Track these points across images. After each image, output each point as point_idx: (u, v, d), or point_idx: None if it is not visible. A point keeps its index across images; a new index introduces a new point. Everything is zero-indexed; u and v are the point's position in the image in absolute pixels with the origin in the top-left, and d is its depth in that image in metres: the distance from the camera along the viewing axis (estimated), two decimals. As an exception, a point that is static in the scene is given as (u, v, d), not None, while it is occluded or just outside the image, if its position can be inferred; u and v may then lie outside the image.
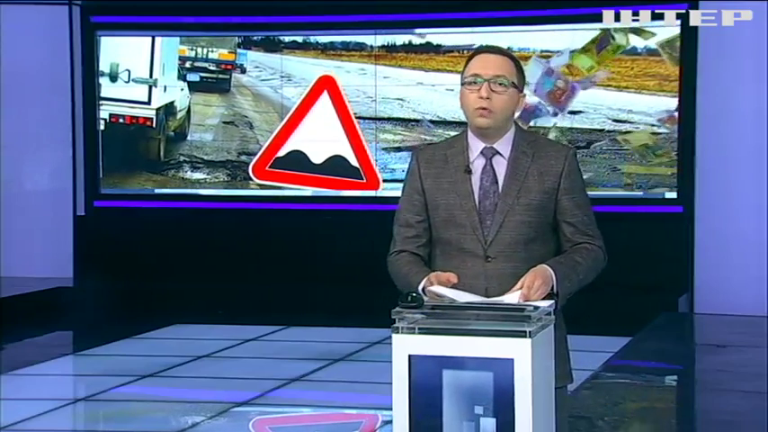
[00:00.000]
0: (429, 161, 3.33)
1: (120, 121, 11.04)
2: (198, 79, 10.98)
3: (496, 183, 3.26)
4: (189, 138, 11.00)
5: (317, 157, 10.64)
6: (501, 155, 3.28)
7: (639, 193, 9.90)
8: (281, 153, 10.76)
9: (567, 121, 10.04)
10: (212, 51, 10.98)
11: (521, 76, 3.30)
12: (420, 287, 3.14)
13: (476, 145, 3.30)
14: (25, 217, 10.94)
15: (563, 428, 3.24)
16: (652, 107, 9.87)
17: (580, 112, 10.03)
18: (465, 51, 10.21)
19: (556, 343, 3.06)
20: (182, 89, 11.01)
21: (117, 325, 9.49)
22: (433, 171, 3.31)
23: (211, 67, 10.99)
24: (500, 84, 3.23)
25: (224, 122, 10.95)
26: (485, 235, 3.23)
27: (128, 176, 11.06)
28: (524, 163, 3.27)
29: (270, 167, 10.78)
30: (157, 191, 11.00)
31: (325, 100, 10.66)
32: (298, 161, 10.71)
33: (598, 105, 10.02)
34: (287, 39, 10.75)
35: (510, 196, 3.24)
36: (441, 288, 3.09)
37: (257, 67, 10.86)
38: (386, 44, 10.53)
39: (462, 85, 3.28)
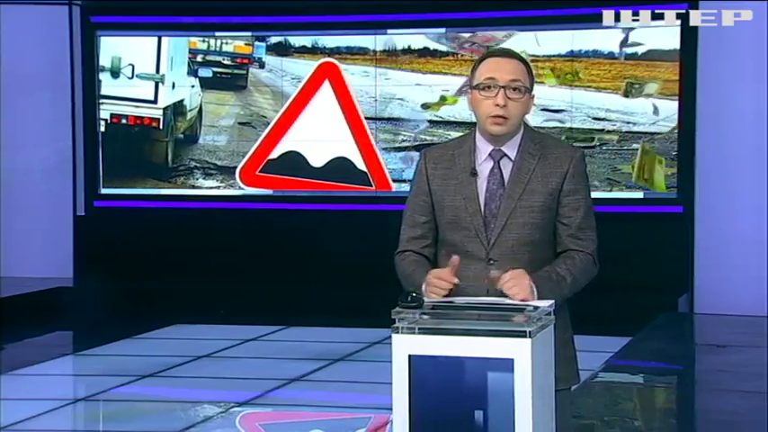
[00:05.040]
0: (437, 161, 3.30)
1: (123, 121, 10.59)
2: (210, 75, 10.31)
3: (503, 185, 3.23)
4: (200, 141, 10.41)
5: (317, 160, 10.17)
6: (508, 157, 3.25)
7: (639, 194, 9.90)
8: (274, 155, 10.08)
9: (565, 121, 10.04)
10: (227, 44, 10.15)
11: (531, 77, 3.26)
12: (423, 287, 3.14)
13: (484, 147, 3.26)
14: (25, 217, 10.94)
15: (567, 429, 3.23)
16: (628, 107, 9.85)
17: (563, 110, 10.00)
18: (460, 55, 10.20)
19: (560, 344, 3.05)
20: (192, 86, 10.37)
21: (117, 325, 9.49)
22: (441, 172, 3.28)
23: (226, 62, 10.21)
24: (515, 89, 3.18)
25: (239, 123, 10.32)
26: (488, 237, 3.21)
27: (131, 183, 10.70)
28: (529, 165, 3.23)
29: (260, 172, 10.15)
30: (157, 191, 10.74)
31: (326, 92, 10.01)
32: (294, 164, 10.14)
33: (580, 105, 9.99)
34: (293, 41, 10.34)
35: (513, 198, 3.21)
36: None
37: (270, 70, 10.38)
38: (386, 48, 10.40)
39: (474, 88, 3.23)
